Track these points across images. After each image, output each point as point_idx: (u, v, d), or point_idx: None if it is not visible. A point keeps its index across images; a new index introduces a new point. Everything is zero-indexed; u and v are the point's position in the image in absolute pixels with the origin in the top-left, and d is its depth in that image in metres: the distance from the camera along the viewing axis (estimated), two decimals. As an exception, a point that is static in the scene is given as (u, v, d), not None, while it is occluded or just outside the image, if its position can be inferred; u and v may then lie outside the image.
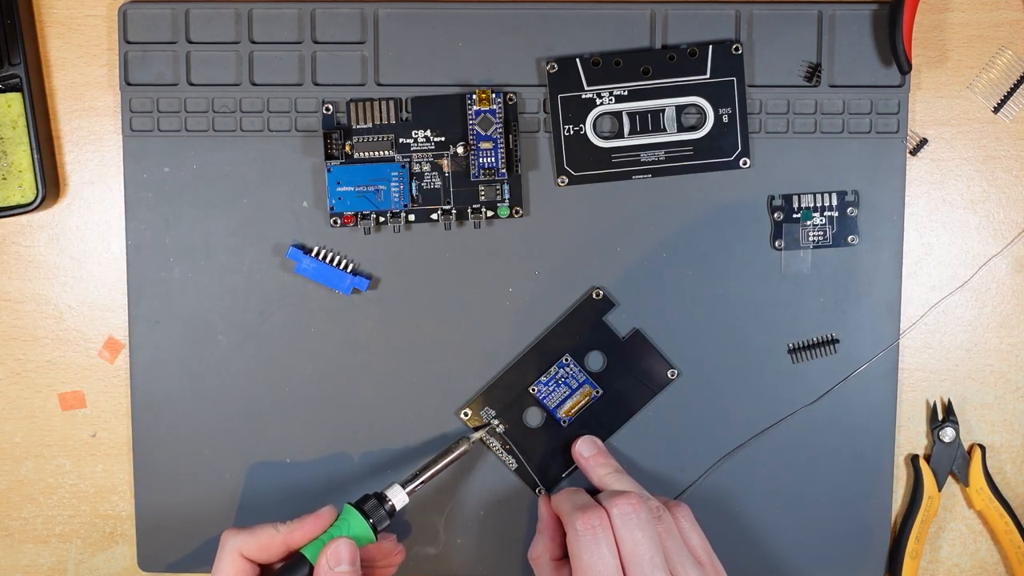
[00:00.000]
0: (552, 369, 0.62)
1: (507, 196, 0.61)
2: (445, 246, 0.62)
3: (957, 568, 0.65)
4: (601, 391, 0.63)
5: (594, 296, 0.62)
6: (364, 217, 0.61)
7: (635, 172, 0.62)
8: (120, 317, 0.64)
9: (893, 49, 0.60)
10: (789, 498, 0.63)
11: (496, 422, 0.63)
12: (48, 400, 0.64)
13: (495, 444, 0.63)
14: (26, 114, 0.61)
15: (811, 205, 0.62)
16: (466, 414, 0.62)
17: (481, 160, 0.61)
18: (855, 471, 0.63)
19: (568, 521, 0.55)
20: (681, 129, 0.61)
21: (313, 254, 0.62)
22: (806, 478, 0.63)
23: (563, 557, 0.59)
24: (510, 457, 0.63)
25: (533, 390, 0.62)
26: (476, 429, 0.62)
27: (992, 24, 0.63)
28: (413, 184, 0.61)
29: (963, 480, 0.64)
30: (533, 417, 0.63)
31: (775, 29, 0.61)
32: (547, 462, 0.63)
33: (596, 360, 0.63)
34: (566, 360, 0.62)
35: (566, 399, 0.63)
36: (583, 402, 0.63)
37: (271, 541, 0.56)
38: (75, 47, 0.63)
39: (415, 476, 0.59)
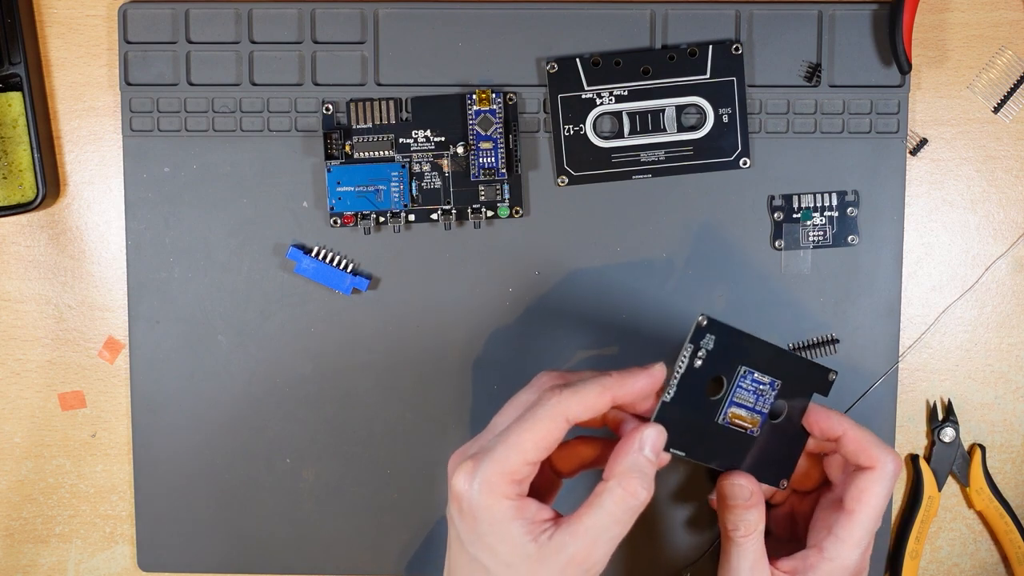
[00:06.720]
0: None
1: (507, 196, 0.61)
2: (445, 246, 0.62)
3: (957, 568, 0.65)
4: None
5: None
6: (364, 217, 0.61)
7: (635, 172, 0.61)
8: (120, 317, 0.64)
9: (893, 49, 0.60)
10: (789, 498, 0.63)
11: None
12: (48, 400, 0.64)
13: None
14: (26, 114, 0.61)
15: (811, 205, 0.62)
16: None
17: (481, 160, 0.61)
18: (855, 471, 0.63)
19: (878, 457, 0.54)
20: (681, 129, 0.61)
21: (313, 254, 0.62)
22: (806, 478, 0.63)
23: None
24: None
25: None
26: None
27: (992, 24, 0.63)
28: (413, 184, 0.61)
29: (963, 480, 0.64)
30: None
31: (775, 29, 0.61)
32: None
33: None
34: None
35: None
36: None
37: (596, 402, 0.51)
38: (75, 47, 0.63)
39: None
